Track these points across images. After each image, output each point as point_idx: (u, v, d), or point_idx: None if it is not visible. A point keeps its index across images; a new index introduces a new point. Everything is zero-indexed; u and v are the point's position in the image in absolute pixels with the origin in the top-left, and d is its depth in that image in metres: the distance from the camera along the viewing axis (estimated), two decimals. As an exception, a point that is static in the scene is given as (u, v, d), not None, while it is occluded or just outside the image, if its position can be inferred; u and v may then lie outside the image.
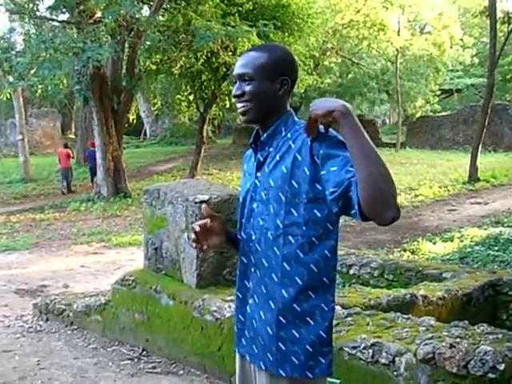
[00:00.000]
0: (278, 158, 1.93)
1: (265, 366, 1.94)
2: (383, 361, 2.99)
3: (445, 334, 3.01)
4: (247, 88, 1.95)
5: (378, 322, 3.36)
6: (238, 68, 1.98)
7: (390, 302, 4.15)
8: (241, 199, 2.09)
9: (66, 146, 20.02)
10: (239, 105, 1.98)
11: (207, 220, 1.96)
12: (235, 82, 1.99)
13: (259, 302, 1.96)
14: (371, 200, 1.65)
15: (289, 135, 1.94)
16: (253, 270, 1.99)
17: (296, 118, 2.01)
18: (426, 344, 2.89)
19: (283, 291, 1.89)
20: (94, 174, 18.03)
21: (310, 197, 1.85)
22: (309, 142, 1.84)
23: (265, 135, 1.99)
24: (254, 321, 1.98)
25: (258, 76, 1.94)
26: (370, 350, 3.05)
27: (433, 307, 4.28)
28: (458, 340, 2.85)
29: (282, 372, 1.90)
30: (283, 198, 1.88)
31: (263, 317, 1.93)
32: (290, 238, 1.88)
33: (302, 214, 1.86)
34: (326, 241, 1.89)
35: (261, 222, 1.96)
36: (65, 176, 19.21)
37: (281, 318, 1.90)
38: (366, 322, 3.38)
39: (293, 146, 1.90)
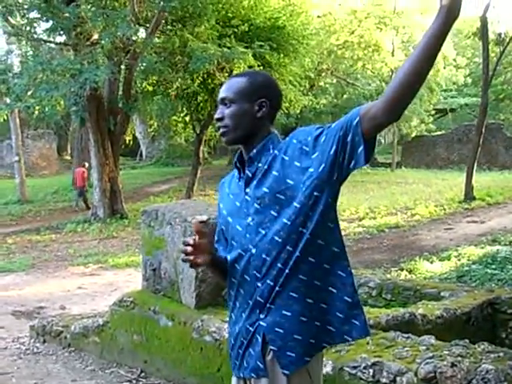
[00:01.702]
0: (266, 167, 2.00)
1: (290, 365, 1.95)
2: (384, 380, 2.98)
3: (445, 352, 3.00)
4: (226, 111, 2.05)
5: (377, 342, 3.35)
6: (220, 93, 2.09)
7: (389, 322, 4.14)
8: (230, 220, 2.11)
9: (82, 166, 20.42)
10: (220, 127, 2.08)
11: (196, 236, 1.99)
12: (218, 108, 2.09)
13: (276, 306, 1.97)
14: (403, 94, 1.76)
15: (275, 152, 2.02)
16: (259, 283, 1.99)
17: (280, 138, 2.09)
18: (427, 363, 2.88)
19: (301, 276, 1.95)
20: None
21: (307, 184, 1.92)
22: (294, 141, 1.95)
23: (254, 150, 2.05)
24: (277, 328, 1.97)
25: (237, 99, 2.04)
26: (371, 370, 3.04)
27: (432, 326, 4.27)
28: (460, 359, 2.85)
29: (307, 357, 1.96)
30: (282, 197, 1.95)
31: (289, 314, 1.95)
32: (301, 229, 1.94)
33: (304, 201, 1.92)
34: (328, 213, 1.96)
35: (262, 232, 1.98)
36: (80, 194, 19.82)
37: (308, 300, 1.96)
38: (366, 342, 3.37)
39: (277, 153, 2.00)
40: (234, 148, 29.27)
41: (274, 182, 1.96)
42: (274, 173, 1.97)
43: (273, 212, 1.96)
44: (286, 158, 1.96)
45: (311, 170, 1.91)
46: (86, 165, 20.06)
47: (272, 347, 1.97)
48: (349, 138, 1.85)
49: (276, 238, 1.95)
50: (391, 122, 1.85)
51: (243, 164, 2.09)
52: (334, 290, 1.98)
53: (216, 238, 2.22)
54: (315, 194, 1.92)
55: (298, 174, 1.93)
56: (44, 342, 5.66)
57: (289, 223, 1.94)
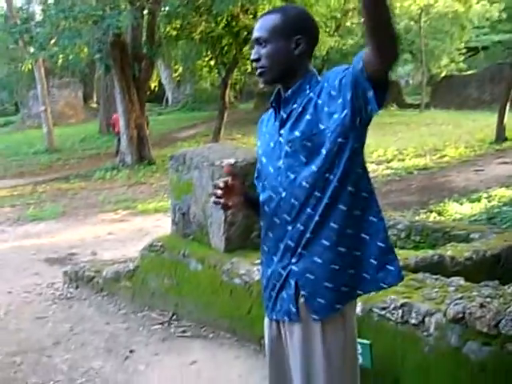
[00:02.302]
0: (300, 109, 1.95)
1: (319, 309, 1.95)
2: (413, 321, 2.99)
3: (475, 293, 2.99)
4: (262, 51, 1.98)
5: (406, 283, 3.34)
6: (254, 32, 2.02)
7: (417, 263, 4.14)
8: (263, 160, 2.09)
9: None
10: (257, 68, 2.01)
11: (229, 178, 1.99)
12: (253, 48, 2.02)
13: (307, 252, 1.96)
14: (384, 35, 1.70)
15: (311, 94, 1.95)
16: (290, 227, 1.98)
17: (320, 78, 2.00)
18: (456, 304, 2.88)
19: (332, 224, 1.92)
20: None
21: (332, 130, 1.87)
22: (325, 84, 1.89)
23: (289, 91, 1.99)
24: (309, 274, 1.96)
25: (272, 37, 1.96)
26: (400, 311, 3.05)
27: (461, 268, 4.25)
28: (489, 300, 2.83)
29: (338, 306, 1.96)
30: (310, 143, 1.90)
31: (320, 261, 1.94)
32: (328, 175, 1.90)
33: (330, 148, 1.88)
34: (355, 159, 1.92)
35: (291, 176, 1.96)
36: (119, 138, 19.64)
37: (340, 249, 1.93)
38: (395, 283, 3.37)
39: (312, 95, 1.93)
40: (258, 91, 29.04)
41: (306, 126, 1.92)
42: (308, 117, 1.92)
43: (302, 157, 1.93)
44: (320, 102, 1.90)
45: (335, 115, 1.86)
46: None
47: (303, 292, 1.97)
48: (358, 83, 1.79)
49: (304, 184, 1.93)
50: (388, 62, 1.75)
51: (279, 103, 2.04)
52: (367, 237, 1.95)
53: (256, 174, 2.19)
54: (340, 140, 1.87)
55: (327, 120, 1.88)
56: (77, 287, 5.79)
57: (315, 169, 1.91)
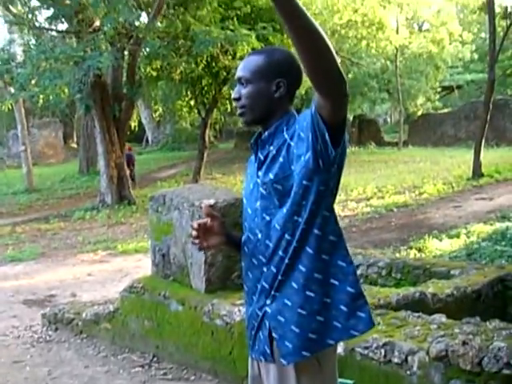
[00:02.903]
0: (274, 152, 1.95)
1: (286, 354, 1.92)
2: (396, 360, 2.98)
3: (457, 331, 3.00)
4: (243, 91, 2.00)
5: (388, 321, 3.35)
6: (237, 71, 2.04)
7: (399, 301, 4.14)
8: (244, 201, 2.11)
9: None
10: (237, 107, 2.03)
11: (207, 219, 2.00)
12: (236, 86, 2.04)
13: (280, 294, 1.94)
14: (325, 69, 1.67)
15: (286, 135, 1.95)
16: (265, 269, 1.98)
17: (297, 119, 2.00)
18: (438, 342, 2.88)
19: (300, 267, 1.90)
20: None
21: (297, 172, 1.87)
22: (297, 126, 1.88)
23: (266, 133, 2.01)
24: (280, 316, 1.95)
25: (253, 78, 1.98)
26: (382, 350, 3.04)
27: (442, 305, 4.27)
28: (471, 337, 2.84)
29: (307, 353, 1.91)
30: (281, 186, 1.90)
31: (289, 304, 1.92)
32: (296, 218, 1.89)
33: (296, 190, 1.87)
34: (321, 202, 1.90)
35: (267, 218, 1.96)
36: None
37: (309, 293, 1.90)
38: (377, 322, 3.37)
39: (287, 137, 1.92)
40: (238, 131, 29.22)
41: (279, 168, 1.92)
42: (281, 159, 1.92)
43: (275, 199, 1.93)
44: (292, 144, 1.90)
45: (302, 158, 1.85)
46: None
47: (274, 335, 1.95)
48: (316, 125, 1.78)
49: (276, 226, 1.93)
50: (335, 103, 1.73)
51: (258, 145, 2.05)
52: (336, 282, 1.92)
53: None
54: (304, 182, 1.86)
55: (296, 162, 1.87)
56: (56, 329, 5.70)
57: (285, 212, 1.90)
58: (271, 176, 1.93)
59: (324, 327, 1.91)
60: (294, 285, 1.91)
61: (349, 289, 1.91)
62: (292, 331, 1.91)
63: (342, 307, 1.91)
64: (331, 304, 1.91)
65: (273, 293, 1.96)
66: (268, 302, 1.97)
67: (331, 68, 1.68)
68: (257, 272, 2.02)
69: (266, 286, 1.97)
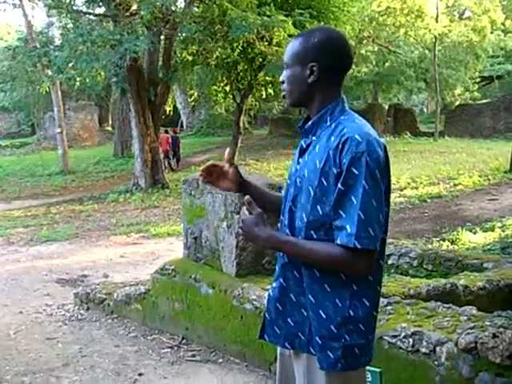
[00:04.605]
0: (316, 149, 1.90)
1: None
2: (424, 350, 2.96)
3: (487, 323, 2.96)
4: (284, 74, 2.01)
5: (418, 311, 3.32)
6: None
7: (429, 292, 4.11)
8: (288, 181, 2.06)
9: (166, 132, 21.85)
10: (282, 90, 2.05)
11: (226, 164, 2.13)
12: None
13: (288, 285, 1.99)
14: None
15: (333, 126, 1.90)
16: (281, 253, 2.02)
17: (346, 106, 1.96)
18: (467, 333, 2.85)
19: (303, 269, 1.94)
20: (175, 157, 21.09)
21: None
22: (339, 145, 1.81)
23: (310, 122, 1.97)
24: (283, 303, 2.01)
25: (291, 63, 1.98)
26: (411, 339, 3.02)
27: (473, 297, 4.21)
28: (502, 330, 2.80)
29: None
30: (312, 192, 1.86)
31: (294, 299, 1.97)
32: (313, 233, 1.88)
33: (328, 213, 1.83)
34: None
35: (293, 208, 1.96)
36: (165, 156, 20.88)
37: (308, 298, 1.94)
38: (406, 311, 3.35)
39: (332, 139, 1.85)
40: (272, 117, 29.14)
41: (312, 171, 1.87)
42: (317, 163, 1.86)
43: (302, 199, 1.91)
44: (331, 156, 1.82)
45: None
46: (169, 131, 22.05)
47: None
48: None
49: (299, 221, 1.92)
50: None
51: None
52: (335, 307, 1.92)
53: None
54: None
55: (333, 180, 1.81)
56: (88, 308, 5.80)
57: (305, 220, 1.89)
58: (306, 173, 1.90)
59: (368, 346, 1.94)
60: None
61: (332, 327, 1.90)
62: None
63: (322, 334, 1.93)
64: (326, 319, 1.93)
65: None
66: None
67: (339, 270, 1.86)
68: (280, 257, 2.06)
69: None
